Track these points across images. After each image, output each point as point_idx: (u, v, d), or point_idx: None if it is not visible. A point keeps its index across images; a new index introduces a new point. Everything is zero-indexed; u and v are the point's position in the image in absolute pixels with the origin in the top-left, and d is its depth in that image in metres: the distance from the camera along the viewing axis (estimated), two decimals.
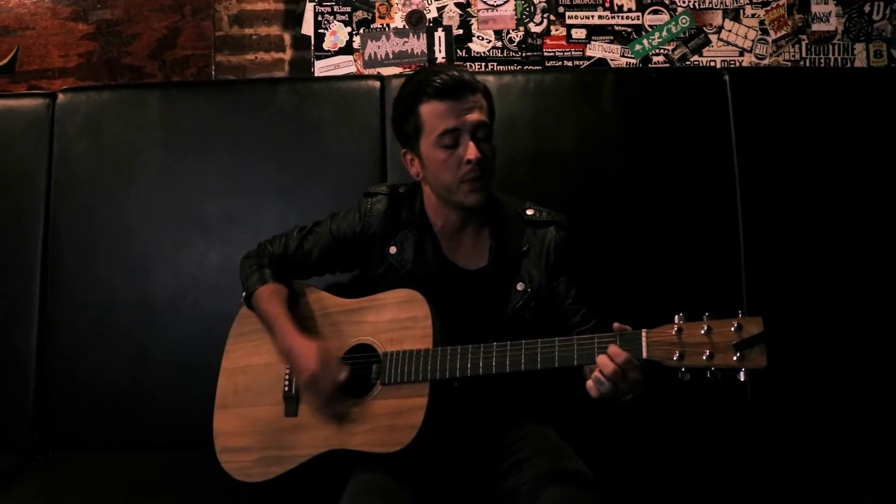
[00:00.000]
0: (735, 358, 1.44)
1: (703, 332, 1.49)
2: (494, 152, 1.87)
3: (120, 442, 2.32)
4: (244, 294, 2.00)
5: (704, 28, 2.86)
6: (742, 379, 1.45)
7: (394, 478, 1.69)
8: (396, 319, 1.82)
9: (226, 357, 2.04)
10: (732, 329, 1.46)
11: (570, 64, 2.85)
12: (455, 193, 1.84)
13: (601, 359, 1.55)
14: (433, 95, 1.81)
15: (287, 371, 1.91)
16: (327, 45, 2.85)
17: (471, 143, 1.80)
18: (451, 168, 1.81)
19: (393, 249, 1.93)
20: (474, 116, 1.81)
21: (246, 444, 1.90)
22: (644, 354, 1.53)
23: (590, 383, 1.57)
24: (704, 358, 1.47)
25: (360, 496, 1.66)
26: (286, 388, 1.89)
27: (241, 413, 1.95)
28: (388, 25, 2.85)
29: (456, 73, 1.84)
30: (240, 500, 1.89)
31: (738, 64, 2.84)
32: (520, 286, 1.89)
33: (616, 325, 1.58)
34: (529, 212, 1.97)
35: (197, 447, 2.02)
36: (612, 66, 2.84)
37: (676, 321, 1.52)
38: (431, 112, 1.81)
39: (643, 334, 1.54)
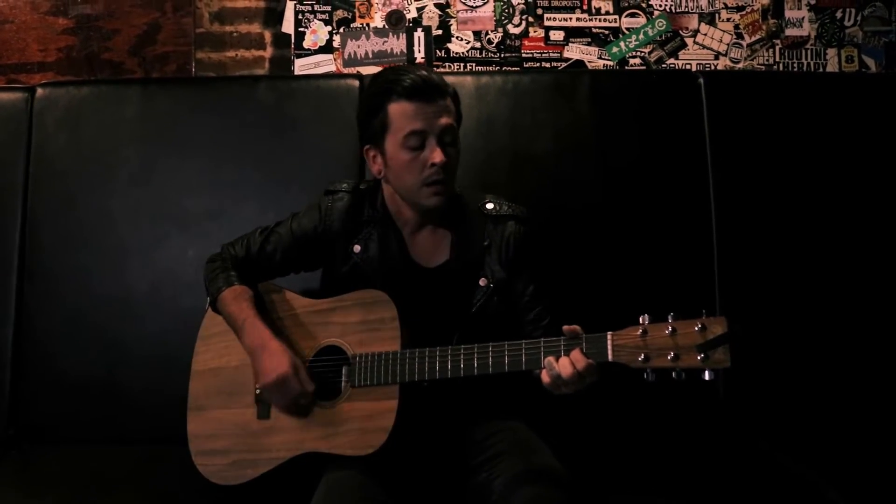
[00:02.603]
0: (699, 358, 1.46)
1: (667, 332, 1.50)
2: (458, 155, 1.88)
3: (96, 436, 2.32)
4: (209, 299, 1.98)
5: (680, 31, 2.89)
6: (707, 378, 1.47)
7: (366, 475, 1.70)
8: (364, 321, 1.81)
9: (195, 359, 2.01)
10: (696, 330, 1.48)
11: (547, 65, 2.87)
12: (416, 195, 1.84)
13: (563, 361, 1.57)
14: (403, 95, 1.80)
15: None
16: (307, 43, 2.86)
17: (437, 147, 1.79)
18: (415, 170, 1.81)
19: (357, 248, 1.91)
20: (443, 120, 1.81)
21: (220, 447, 1.89)
22: (609, 357, 1.55)
23: (546, 378, 1.60)
24: (669, 359, 1.49)
25: (333, 491, 1.67)
26: (258, 391, 1.87)
27: (213, 416, 1.93)
28: (367, 25, 2.87)
29: (426, 73, 1.83)
30: (218, 494, 1.88)
31: (713, 67, 2.87)
32: (482, 282, 1.89)
33: (566, 327, 1.60)
34: (489, 206, 1.96)
35: (173, 441, 2.01)
36: (590, 67, 2.86)
37: (641, 322, 1.54)
38: (400, 112, 1.80)
39: (609, 337, 1.56)
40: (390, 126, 1.82)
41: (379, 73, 1.95)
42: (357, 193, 1.97)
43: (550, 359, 1.58)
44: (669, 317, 1.52)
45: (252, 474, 1.83)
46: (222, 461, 1.87)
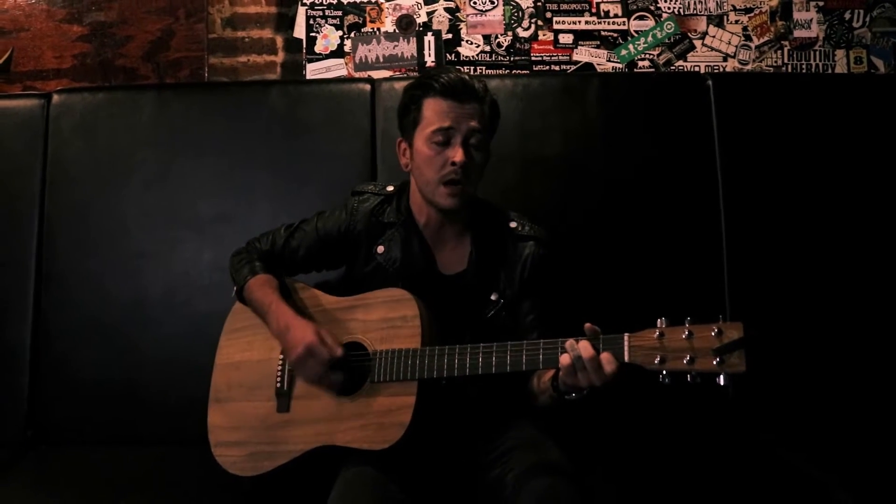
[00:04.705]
0: (715, 363, 1.46)
1: (684, 336, 1.50)
2: (485, 162, 1.89)
3: (111, 437, 2.34)
4: (235, 288, 2.01)
5: (689, 34, 2.90)
6: (722, 383, 1.47)
7: (382, 471, 1.71)
8: (386, 318, 1.84)
9: (219, 353, 2.04)
10: (713, 334, 1.48)
11: (557, 68, 2.89)
12: (433, 193, 1.87)
13: (584, 343, 1.57)
14: (438, 92, 1.84)
15: (279, 367, 1.92)
16: (319, 48, 2.89)
17: (460, 147, 1.82)
18: (436, 166, 1.84)
19: (381, 249, 1.95)
20: (472, 123, 1.84)
21: (239, 438, 1.92)
22: (626, 358, 1.55)
23: (565, 360, 1.59)
24: (685, 362, 1.49)
25: (350, 488, 1.68)
26: (278, 385, 1.91)
27: (234, 408, 1.96)
28: (378, 29, 2.89)
29: (468, 78, 1.87)
30: (233, 493, 1.91)
31: (721, 69, 2.89)
32: (493, 296, 1.92)
33: (588, 325, 1.60)
34: (512, 224, 1.99)
35: (187, 443, 2.05)
36: (599, 70, 2.88)
37: (659, 325, 1.54)
38: (432, 107, 1.85)
39: (625, 338, 1.57)
40: (422, 120, 1.87)
41: (424, 71, 1.99)
42: (382, 195, 2.00)
43: (571, 341, 1.59)
44: (686, 320, 1.53)
45: (269, 466, 1.85)
46: (240, 452, 1.90)
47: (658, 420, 2.30)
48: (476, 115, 1.85)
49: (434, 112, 1.85)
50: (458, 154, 1.82)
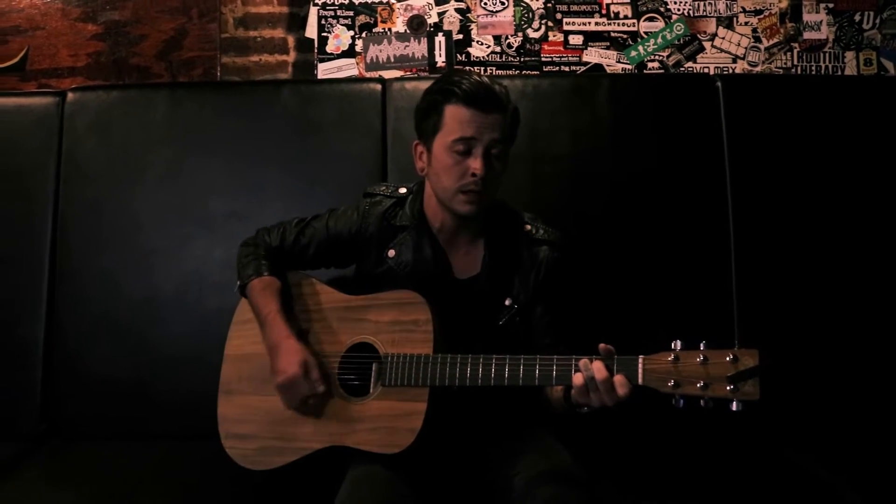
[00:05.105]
0: (729, 389, 1.46)
1: (698, 361, 1.50)
2: (504, 171, 1.87)
3: (123, 432, 2.35)
4: (238, 283, 2.01)
5: (698, 35, 2.91)
6: (734, 409, 1.47)
7: (391, 471, 1.72)
8: (398, 321, 1.83)
9: (228, 343, 2.04)
10: (728, 360, 1.48)
11: (566, 69, 2.90)
12: (451, 200, 1.85)
13: (597, 364, 1.57)
14: (461, 99, 1.80)
15: None
16: (330, 48, 2.91)
17: (481, 158, 1.79)
18: (455, 175, 1.81)
19: (391, 253, 1.93)
20: (494, 133, 1.81)
21: (249, 431, 1.92)
22: (640, 381, 1.55)
23: (578, 380, 1.59)
24: (699, 387, 1.48)
25: (358, 487, 1.69)
26: None
27: (244, 401, 1.96)
28: (389, 30, 2.91)
29: (490, 83, 1.83)
30: (242, 487, 1.93)
31: (731, 70, 2.89)
32: (507, 301, 1.91)
33: (601, 346, 1.59)
34: (527, 227, 1.97)
35: (197, 439, 2.06)
36: (608, 71, 2.89)
37: (673, 348, 1.54)
38: (454, 115, 1.81)
39: (640, 361, 1.56)
40: (442, 127, 1.83)
41: (445, 73, 1.95)
42: (395, 198, 1.99)
43: (585, 360, 1.59)
44: (702, 345, 1.52)
45: (279, 462, 1.86)
46: (250, 446, 1.90)
47: (670, 426, 2.24)
48: (498, 126, 1.82)
49: (456, 120, 1.80)
50: (479, 166, 1.79)
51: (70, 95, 2.53)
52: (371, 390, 1.82)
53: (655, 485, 2.00)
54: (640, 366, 1.56)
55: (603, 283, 2.34)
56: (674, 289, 2.35)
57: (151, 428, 2.36)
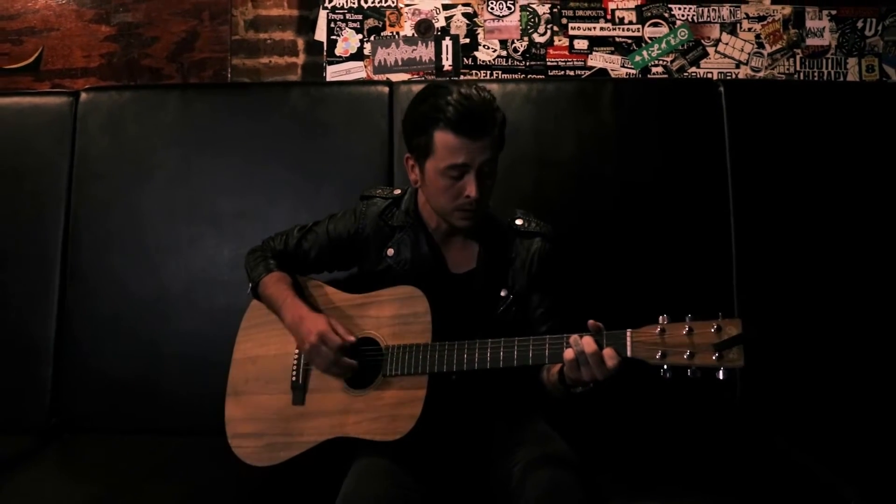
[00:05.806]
0: (714, 357, 1.51)
1: (684, 332, 1.55)
2: (495, 178, 1.89)
3: (131, 428, 2.38)
4: (250, 285, 2.05)
5: (702, 41, 2.92)
6: (721, 377, 1.52)
7: (395, 462, 1.76)
8: (398, 315, 1.89)
9: (236, 348, 2.09)
10: (712, 330, 1.53)
11: (571, 73, 2.92)
12: (448, 216, 1.89)
13: (587, 339, 1.61)
14: (449, 126, 1.79)
15: (295, 362, 1.97)
16: (339, 50, 2.93)
17: (474, 181, 1.81)
18: (450, 196, 1.84)
19: (391, 251, 1.99)
20: (485, 155, 1.81)
21: (255, 430, 1.96)
22: (629, 353, 1.60)
23: (569, 355, 1.63)
24: (685, 357, 1.53)
25: (362, 479, 1.73)
26: (294, 378, 1.95)
27: (251, 401, 2.01)
28: (397, 33, 2.93)
29: (476, 101, 1.81)
30: (249, 481, 1.96)
31: (734, 76, 2.90)
32: (503, 292, 1.95)
33: (589, 322, 1.64)
34: (518, 221, 2.00)
35: (204, 435, 2.09)
36: (613, 76, 2.90)
37: (660, 321, 1.59)
38: (444, 142, 1.80)
39: (628, 334, 1.61)
40: (433, 153, 1.83)
41: (430, 88, 1.91)
42: (391, 199, 2.03)
43: (575, 336, 1.63)
44: (687, 317, 1.57)
45: (285, 456, 1.90)
46: (256, 443, 1.94)
47: (668, 421, 2.32)
48: (488, 147, 1.82)
49: (447, 148, 1.80)
50: (472, 190, 1.81)
51: (83, 96, 2.56)
52: (373, 382, 1.86)
53: (656, 481, 2.02)
54: (628, 338, 1.61)
55: (605, 284, 2.36)
56: (675, 290, 2.36)
57: (159, 424, 2.38)
